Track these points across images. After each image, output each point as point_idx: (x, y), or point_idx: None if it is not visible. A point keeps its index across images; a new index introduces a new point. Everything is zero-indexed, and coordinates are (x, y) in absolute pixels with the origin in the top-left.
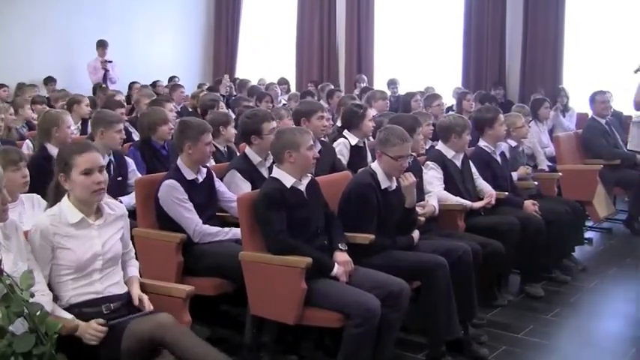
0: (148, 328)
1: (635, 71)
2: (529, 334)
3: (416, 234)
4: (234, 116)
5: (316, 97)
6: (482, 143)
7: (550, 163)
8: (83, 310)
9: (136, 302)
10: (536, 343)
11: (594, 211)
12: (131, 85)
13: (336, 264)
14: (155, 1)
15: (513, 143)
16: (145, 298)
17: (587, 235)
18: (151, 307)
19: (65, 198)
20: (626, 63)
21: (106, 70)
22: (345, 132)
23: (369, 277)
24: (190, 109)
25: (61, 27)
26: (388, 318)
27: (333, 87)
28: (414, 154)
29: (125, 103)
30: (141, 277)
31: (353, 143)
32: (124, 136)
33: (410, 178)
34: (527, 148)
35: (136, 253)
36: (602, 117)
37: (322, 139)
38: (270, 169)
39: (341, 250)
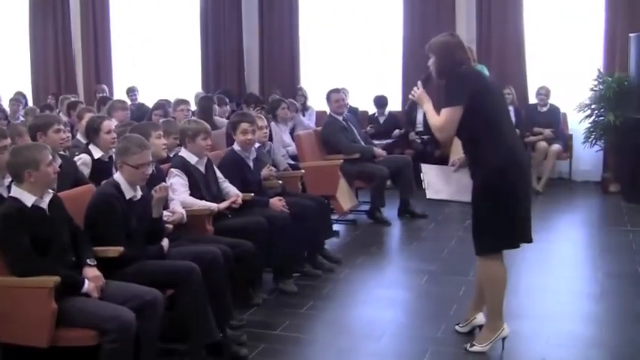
0: None
1: (424, 80)
2: (286, 329)
3: (165, 242)
4: None
5: (58, 110)
6: (236, 147)
7: (293, 162)
8: None
9: None
10: (293, 338)
11: (338, 204)
12: None
13: (86, 280)
14: None
15: (257, 144)
16: None
17: (334, 227)
18: None
19: None
20: (364, 60)
21: None
22: (91, 145)
23: (121, 289)
24: None
25: None
26: (145, 329)
27: (73, 99)
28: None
29: None
30: None
31: (96, 157)
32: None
33: (164, 191)
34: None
35: None
36: (339, 114)
37: (62, 152)
38: (9, 187)
39: (90, 265)
